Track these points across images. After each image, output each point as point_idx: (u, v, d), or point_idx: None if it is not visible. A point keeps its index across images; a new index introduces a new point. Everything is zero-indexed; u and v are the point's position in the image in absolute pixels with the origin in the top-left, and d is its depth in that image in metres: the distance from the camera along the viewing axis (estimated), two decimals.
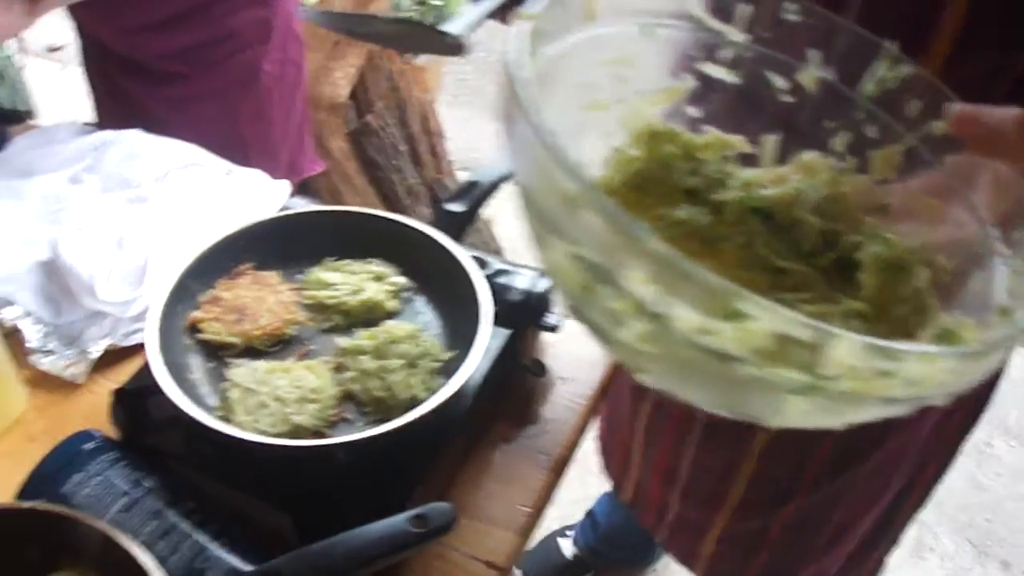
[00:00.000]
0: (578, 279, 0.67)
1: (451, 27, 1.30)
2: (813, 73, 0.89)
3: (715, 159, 0.88)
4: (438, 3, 3.83)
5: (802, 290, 0.80)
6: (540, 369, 1.37)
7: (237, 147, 1.79)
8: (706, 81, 0.92)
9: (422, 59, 3.58)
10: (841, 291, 0.81)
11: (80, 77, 2.28)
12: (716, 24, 0.90)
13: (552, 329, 1.34)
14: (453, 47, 1.32)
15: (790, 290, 0.80)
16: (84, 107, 2.24)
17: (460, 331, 1.22)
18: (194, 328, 1.24)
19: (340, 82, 2.91)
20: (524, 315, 1.29)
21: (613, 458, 1.99)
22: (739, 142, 0.89)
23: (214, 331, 1.22)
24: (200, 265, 1.28)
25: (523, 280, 1.31)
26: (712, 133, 0.89)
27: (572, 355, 1.42)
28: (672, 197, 0.85)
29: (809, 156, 0.88)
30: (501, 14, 1.39)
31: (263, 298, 1.25)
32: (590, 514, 2.57)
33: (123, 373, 1.39)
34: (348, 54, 2.93)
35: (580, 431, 1.37)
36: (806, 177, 0.87)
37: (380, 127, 3.07)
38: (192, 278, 1.27)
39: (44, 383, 1.40)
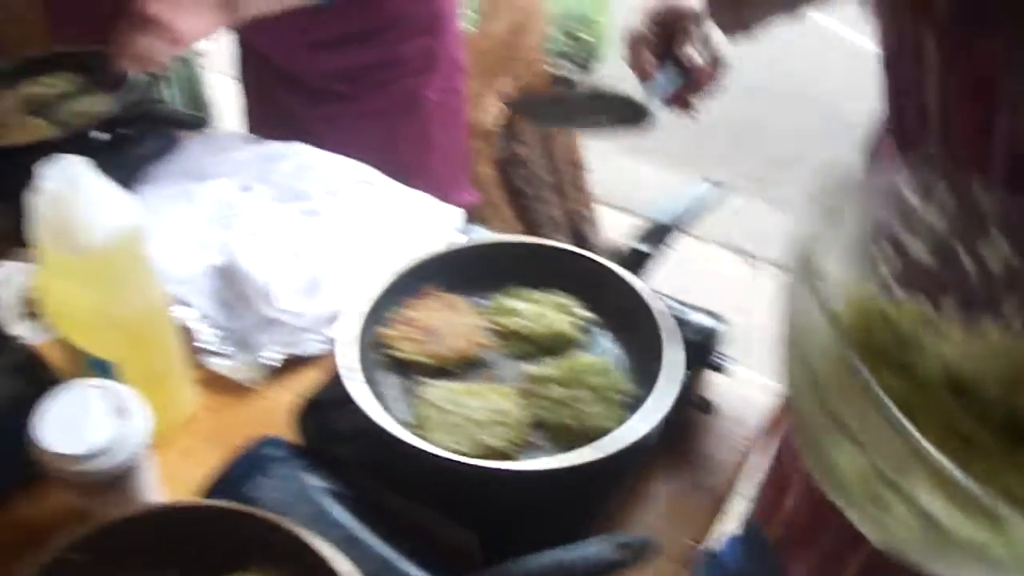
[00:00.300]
0: (855, 475, 0.72)
1: (644, 98, 1.34)
2: (995, 250, 0.93)
3: (908, 323, 0.92)
4: (590, 39, 3.87)
5: (984, 456, 0.84)
6: (707, 407, 1.38)
7: (395, 171, 1.82)
8: (898, 246, 0.96)
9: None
10: (1016, 455, 0.84)
11: (222, 84, 2.33)
12: (916, 201, 0.94)
13: (719, 369, 1.35)
14: (643, 119, 1.36)
15: (971, 453, 0.84)
16: (228, 114, 2.29)
17: (642, 367, 1.24)
18: (381, 344, 1.27)
19: (492, 110, 2.96)
20: (697, 354, 1.30)
21: (767, 497, 2.00)
22: (930, 312, 0.94)
23: (406, 349, 1.24)
24: (392, 285, 1.31)
25: (696, 320, 1.32)
26: (909, 302, 0.96)
27: (734, 393, 1.43)
28: (865, 357, 0.89)
29: (991, 328, 0.94)
30: (680, 99, 1.43)
31: (452, 321, 1.27)
32: (713, 556, 2.56)
33: (294, 380, 1.43)
34: (503, 84, 2.97)
35: (740, 469, 1.38)
36: (990, 348, 0.92)
37: (528, 157, 3.11)
38: (382, 296, 1.29)
39: (214, 384, 1.45)
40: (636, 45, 1.45)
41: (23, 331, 1.50)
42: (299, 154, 1.81)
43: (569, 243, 1.57)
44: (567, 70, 3.84)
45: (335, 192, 1.68)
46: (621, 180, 4.44)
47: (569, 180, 3.29)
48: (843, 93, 4.82)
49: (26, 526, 1.28)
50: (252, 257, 1.50)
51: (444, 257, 1.36)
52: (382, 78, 2.15)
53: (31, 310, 1.58)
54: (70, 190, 1.16)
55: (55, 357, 1.35)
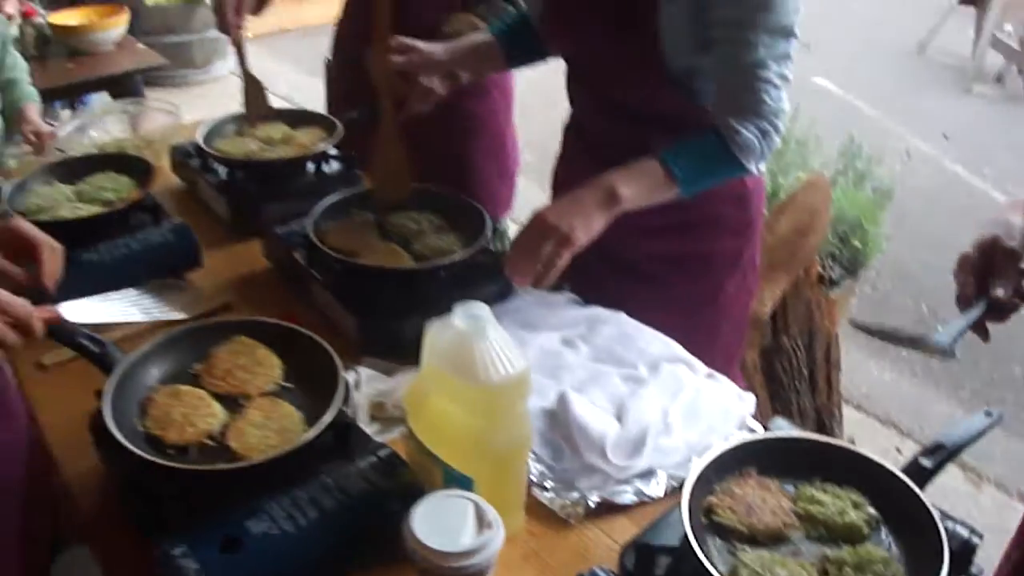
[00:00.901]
0: None
1: (944, 340, 1.55)
2: None
3: None
4: (858, 245, 4.07)
5: None
6: None
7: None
8: None
9: (835, 291, 3.81)
10: None
11: None
12: None
13: None
14: (944, 354, 1.56)
15: None
16: None
17: (916, 565, 1.42)
18: (707, 508, 1.49)
19: (767, 301, 3.17)
20: (959, 563, 1.47)
21: None
22: None
23: (728, 518, 1.46)
24: (716, 461, 1.53)
25: (960, 532, 1.50)
26: None
27: None
28: None
29: None
30: (980, 326, 1.62)
31: (766, 499, 1.48)
32: None
33: (606, 522, 1.66)
34: (779, 279, 3.19)
35: None
36: None
37: (791, 349, 3.31)
38: (710, 470, 1.51)
39: (535, 512, 1.68)
40: (964, 269, 1.64)
41: (368, 431, 1.76)
42: (620, 322, 2.08)
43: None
44: (833, 271, 4.04)
45: (655, 365, 1.92)
46: (874, 383, 4.59)
47: (823, 376, 3.46)
48: None
49: None
50: (585, 410, 1.75)
51: (760, 443, 1.58)
52: (693, 268, 2.40)
53: (376, 414, 1.84)
54: (475, 330, 1.41)
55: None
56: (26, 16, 5.41)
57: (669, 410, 1.79)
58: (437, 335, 1.47)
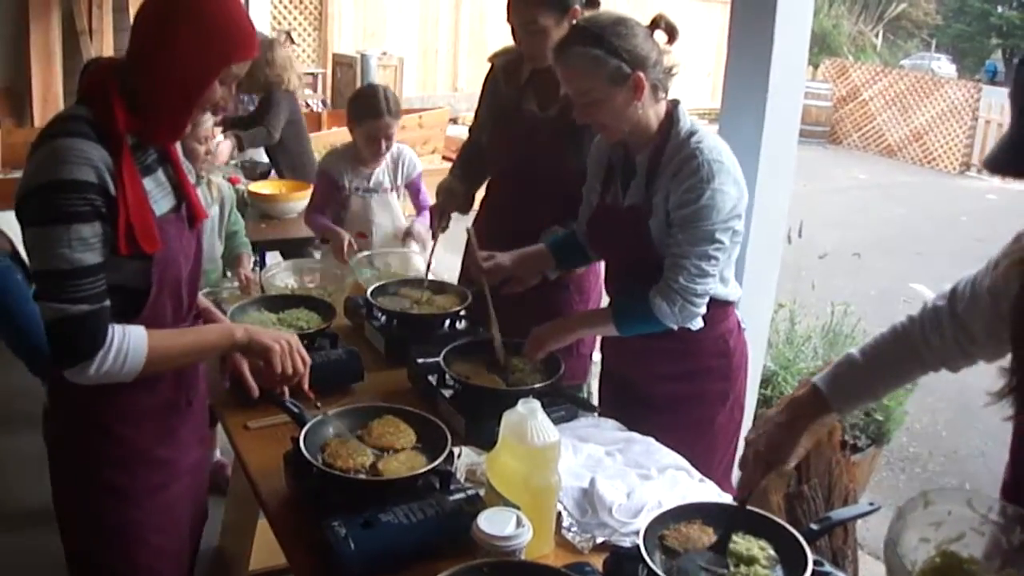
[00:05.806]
0: None
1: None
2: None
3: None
4: (880, 419, 4.77)
5: None
6: None
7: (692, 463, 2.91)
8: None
9: (859, 456, 4.52)
10: None
11: None
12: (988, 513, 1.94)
13: None
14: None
15: None
16: None
17: None
18: (661, 537, 2.29)
19: (794, 458, 3.88)
20: None
21: None
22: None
23: (671, 542, 2.26)
24: (674, 510, 2.36)
25: (828, 570, 2.23)
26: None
27: None
28: None
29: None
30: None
31: (701, 537, 2.29)
32: None
33: (604, 554, 2.42)
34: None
35: None
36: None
37: (811, 497, 4.02)
38: (668, 515, 2.35)
39: (563, 544, 2.52)
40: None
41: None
42: (647, 442, 2.97)
43: None
44: (859, 439, 4.78)
45: (663, 469, 2.79)
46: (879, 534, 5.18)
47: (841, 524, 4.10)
48: None
49: None
50: (605, 488, 2.61)
51: (706, 504, 2.42)
52: (692, 405, 3.33)
53: (470, 477, 2.72)
54: (528, 414, 2.31)
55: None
56: (231, 183, 6.31)
57: (664, 497, 2.61)
58: (508, 416, 2.35)
